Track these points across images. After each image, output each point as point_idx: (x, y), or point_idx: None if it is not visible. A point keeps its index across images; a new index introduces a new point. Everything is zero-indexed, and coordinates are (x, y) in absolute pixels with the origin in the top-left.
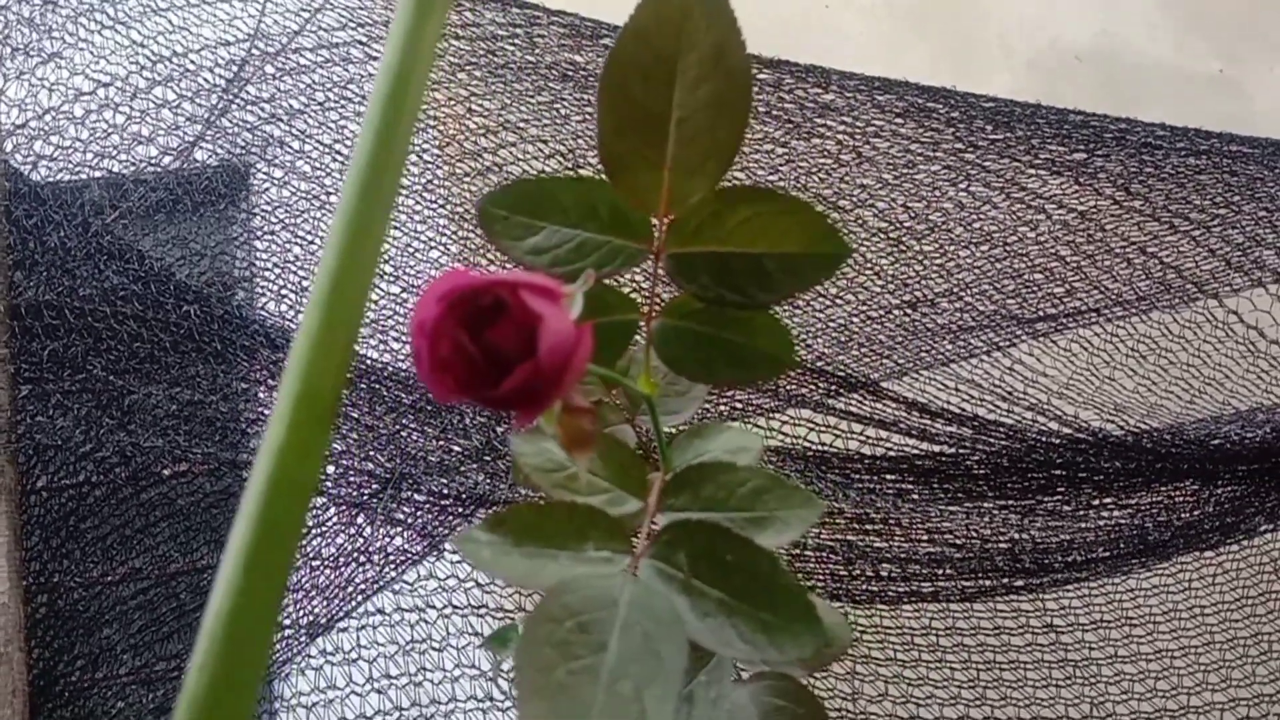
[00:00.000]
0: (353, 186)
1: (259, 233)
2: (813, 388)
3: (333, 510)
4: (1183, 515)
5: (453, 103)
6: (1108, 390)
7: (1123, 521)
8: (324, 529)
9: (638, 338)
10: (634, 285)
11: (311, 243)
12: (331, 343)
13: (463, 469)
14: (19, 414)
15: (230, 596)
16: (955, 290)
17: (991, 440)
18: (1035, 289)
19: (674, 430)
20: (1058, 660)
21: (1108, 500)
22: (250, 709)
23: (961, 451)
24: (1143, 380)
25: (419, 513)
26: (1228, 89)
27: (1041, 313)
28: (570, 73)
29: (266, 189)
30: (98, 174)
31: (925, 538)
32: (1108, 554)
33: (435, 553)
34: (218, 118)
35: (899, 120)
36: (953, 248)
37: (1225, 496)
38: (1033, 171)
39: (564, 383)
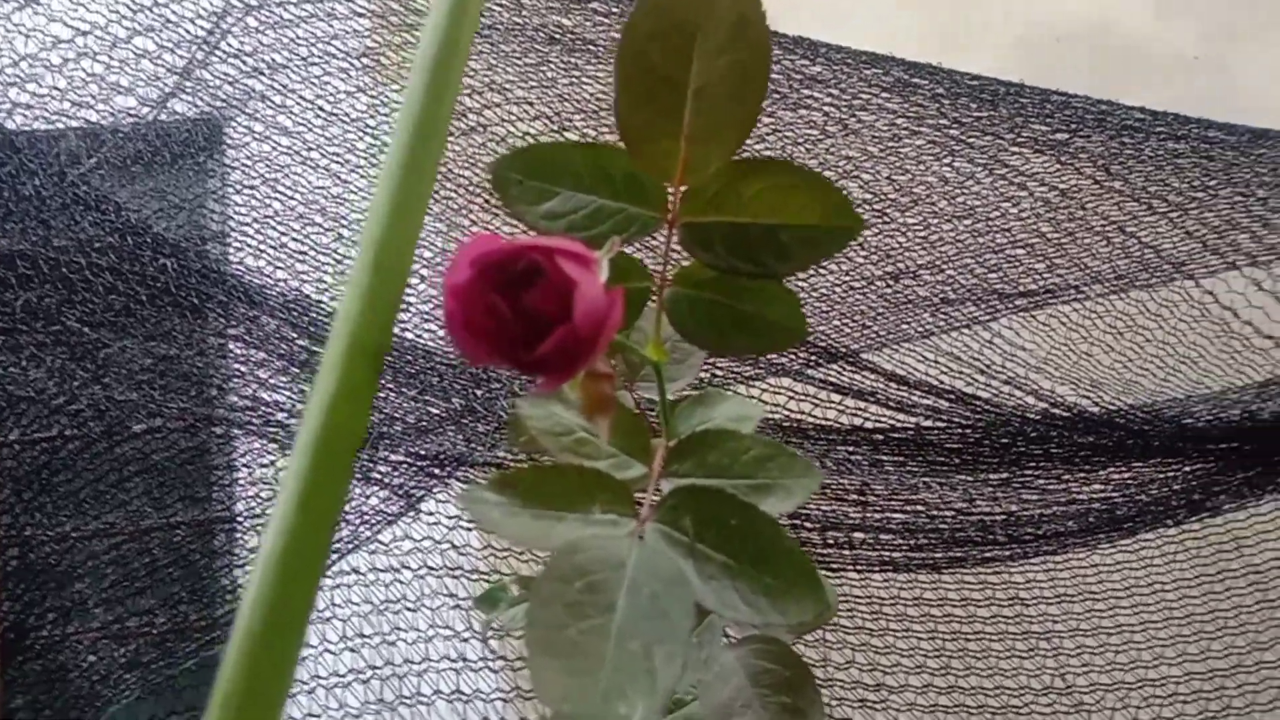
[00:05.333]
0: (402, 138)
1: (238, 187)
2: (793, 356)
3: None
4: (1151, 491)
5: None
6: (1084, 366)
7: (1093, 496)
8: None
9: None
10: (642, 253)
11: (291, 198)
12: (382, 294)
13: (441, 430)
14: None
15: (283, 536)
16: (937, 263)
17: (969, 413)
18: (1016, 264)
19: (673, 398)
20: (1021, 632)
21: (1079, 475)
22: (299, 645)
23: (939, 424)
24: (1119, 357)
25: (396, 472)
26: (1210, 69)
27: (1022, 288)
28: (557, 35)
29: (247, 143)
30: (75, 123)
31: (899, 508)
32: (1077, 528)
33: (412, 513)
34: (198, 69)
35: (885, 94)
36: (936, 221)
37: (1193, 474)
38: (1015, 149)
39: (598, 347)
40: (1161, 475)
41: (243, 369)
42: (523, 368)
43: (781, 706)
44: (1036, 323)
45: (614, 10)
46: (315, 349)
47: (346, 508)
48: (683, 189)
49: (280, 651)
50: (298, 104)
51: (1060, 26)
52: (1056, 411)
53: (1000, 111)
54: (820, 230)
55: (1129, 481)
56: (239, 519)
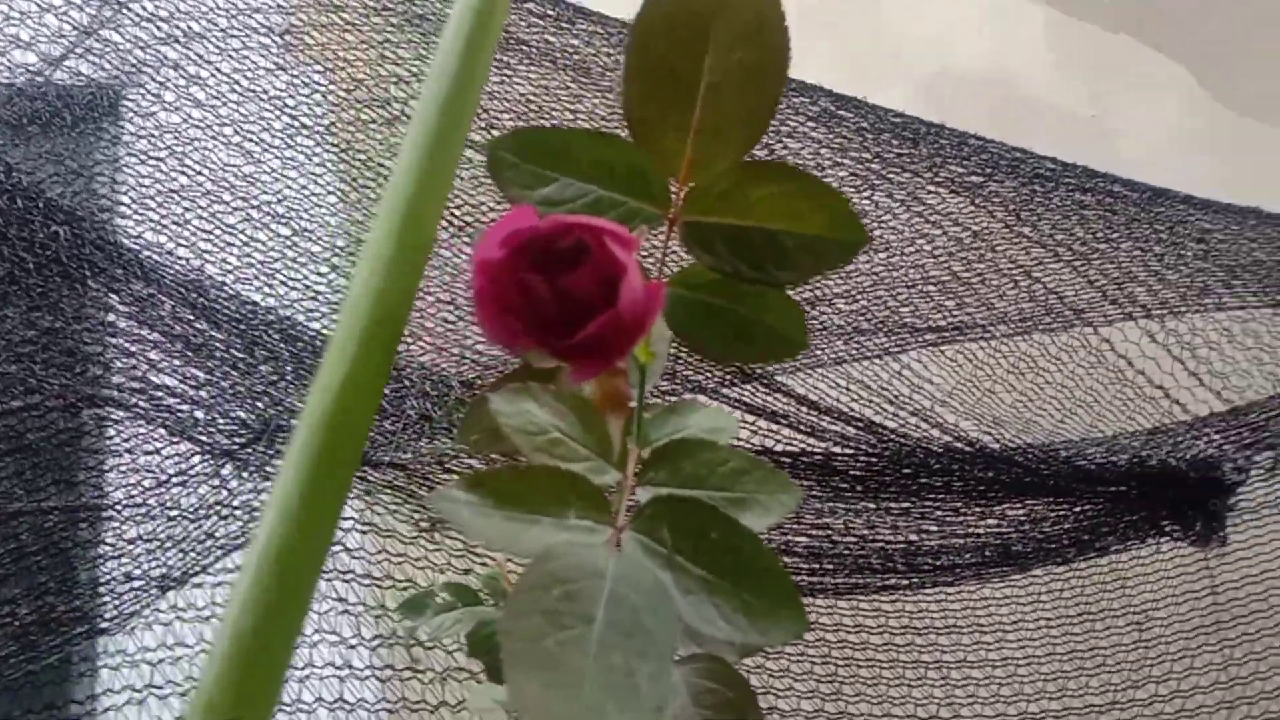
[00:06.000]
0: (429, 109)
1: (143, 157)
2: (708, 375)
3: (196, 459)
4: (1044, 529)
5: (365, 46)
6: (987, 403)
7: (989, 530)
8: (186, 478)
9: None
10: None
11: (199, 174)
12: (405, 267)
13: None
14: None
15: (285, 525)
16: (853, 292)
17: (876, 442)
18: (928, 299)
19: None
20: (912, 660)
21: (977, 509)
22: (295, 638)
23: (847, 451)
24: (1020, 396)
25: None
26: (1099, 131)
27: (932, 323)
28: None
29: (154, 112)
30: None
31: (804, 531)
32: (973, 560)
33: None
34: (106, 29)
35: (811, 124)
36: None
37: (1083, 514)
38: (933, 188)
39: (638, 337)
40: (1054, 514)
41: (132, 348)
42: (556, 353)
43: None
44: (944, 358)
45: (549, 13)
46: (214, 334)
47: (234, 502)
48: (688, 187)
49: (273, 654)
50: (213, 76)
51: (967, 73)
52: (959, 445)
53: (921, 150)
54: (824, 240)
55: (1023, 518)
56: (116, 507)
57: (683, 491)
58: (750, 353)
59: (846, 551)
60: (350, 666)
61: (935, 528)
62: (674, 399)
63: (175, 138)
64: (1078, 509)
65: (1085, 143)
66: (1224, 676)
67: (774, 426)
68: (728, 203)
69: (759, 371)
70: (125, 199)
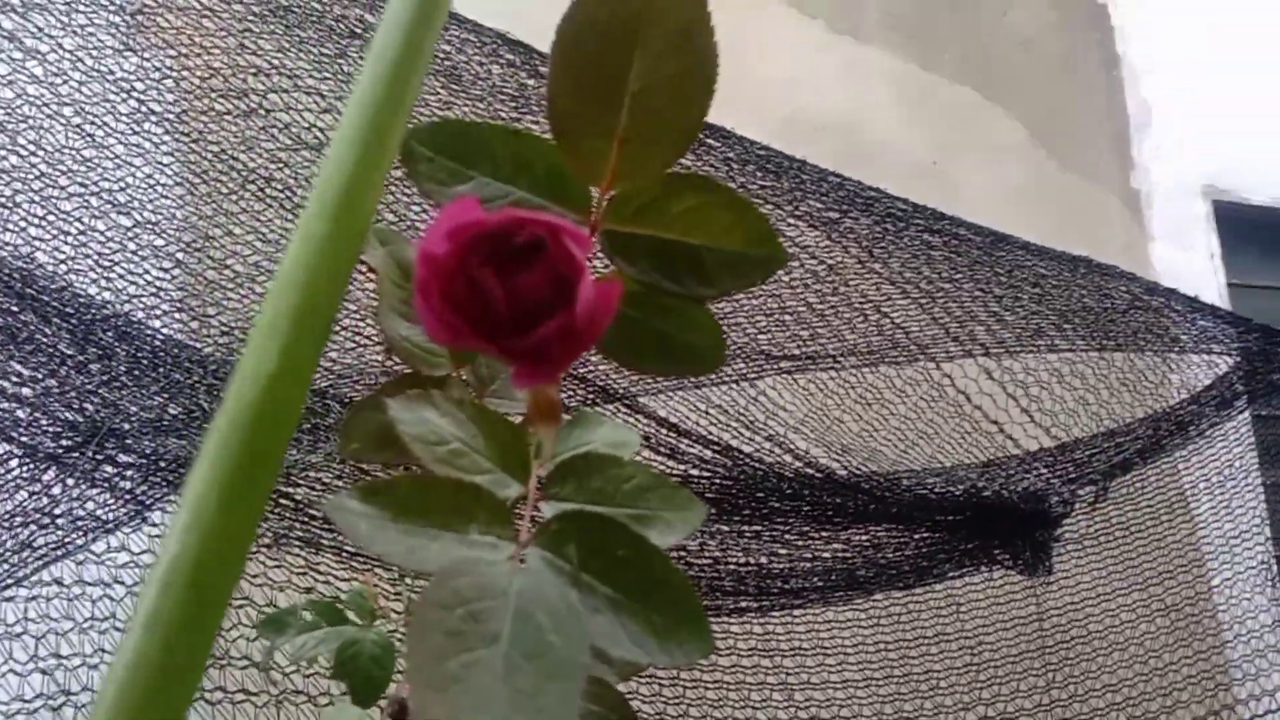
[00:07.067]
0: (371, 89)
1: None
2: (572, 393)
3: (15, 461)
4: (887, 555)
5: (223, 34)
6: (836, 431)
7: (835, 555)
8: (2, 483)
9: None
10: None
11: (33, 154)
12: (337, 256)
13: (183, 431)
14: None
15: (197, 534)
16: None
17: (732, 464)
18: (784, 329)
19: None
20: (758, 682)
21: (824, 534)
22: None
23: (704, 473)
24: (866, 425)
25: (124, 475)
26: (939, 179)
27: (786, 351)
28: (358, 30)
29: None
30: None
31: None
32: (820, 584)
33: (139, 521)
34: None
35: None
36: None
37: (923, 542)
38: (793, 221)
39: (591, 341)
40: (895, 540)
41: None
42: (504, 354)
43: None
44: (797, 385)
45: None
46: (41, 327)
47: (55, 510)
48: (610, 194)
49: (180, 683)
50: (54, 51)
51: (822, 116)
52: (809, 471)
53: (783, 184)
54: (744, 256)
55: (867, 544)
56: None
57: (590, 508)
58: (667, 366)
59: (701, 574)
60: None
61: (785, 551)
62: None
63: (7, 114)
64: (917, 536)
65: (928, 189)
66: (1046, 698)
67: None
68: (649, 213)
69: (621, 392)
70: None
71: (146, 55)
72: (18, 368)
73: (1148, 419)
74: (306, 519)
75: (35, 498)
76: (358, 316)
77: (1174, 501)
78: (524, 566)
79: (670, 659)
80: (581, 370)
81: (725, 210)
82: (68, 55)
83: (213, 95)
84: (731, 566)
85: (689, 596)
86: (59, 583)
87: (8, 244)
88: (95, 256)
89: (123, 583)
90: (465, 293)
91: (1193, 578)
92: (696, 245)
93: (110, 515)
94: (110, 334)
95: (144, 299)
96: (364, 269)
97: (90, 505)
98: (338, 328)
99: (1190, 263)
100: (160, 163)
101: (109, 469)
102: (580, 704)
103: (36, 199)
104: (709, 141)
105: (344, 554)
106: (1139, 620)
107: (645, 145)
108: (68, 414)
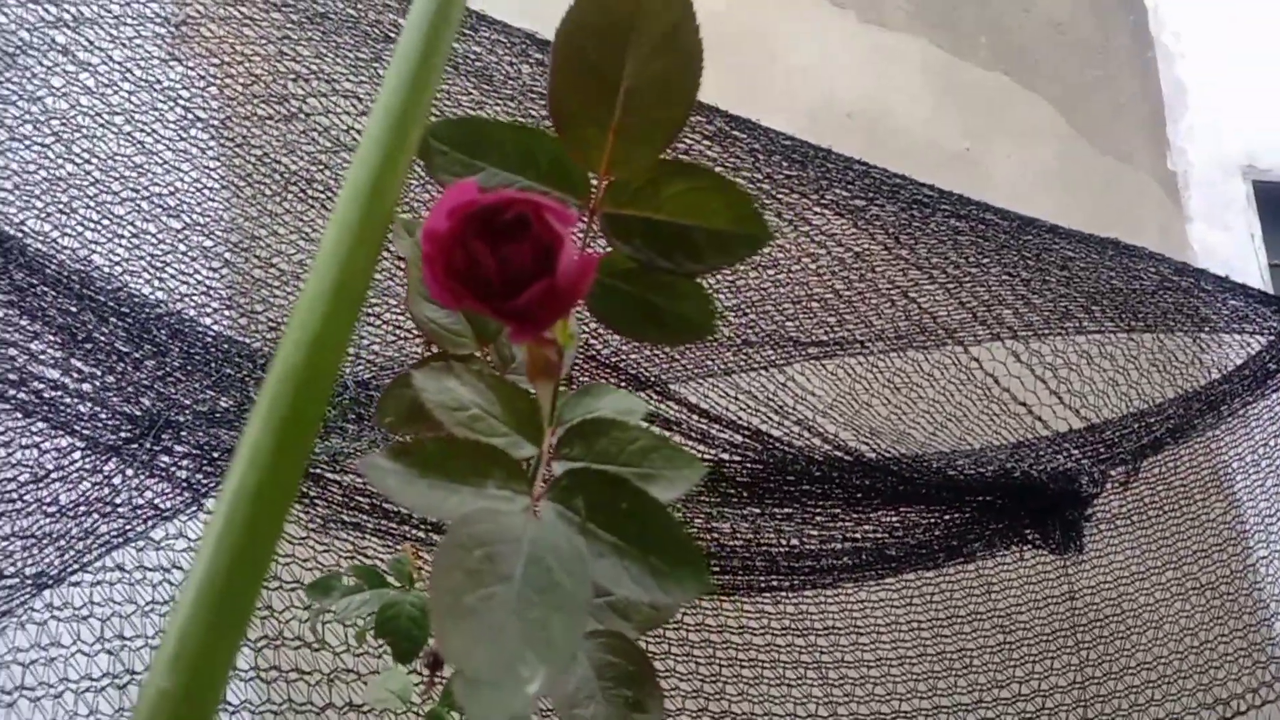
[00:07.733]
0: (395, 80)
1: (27, 143)
2: (605, 380)
3: (78, 454)
4: (917, 535)
5: (264, 42)
6: (865, 415)
7: (866, 535)
8: (66, 473)
9: None
10: None
11: (88, 162)
12: (369, 232)
13: (235, 422)
14: None
15: (256, 470)
16: (742, 306)
17: (763, 449)
18: (812, 315)
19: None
20: (792, 661)
21: (855, 515)
22: (261, 582)
23: (736, 458)
24: (895, 409)
25: (180, 464)
26: (972, 166)
27: (815, 338)
28: (393, 34)
29: (41, 98)
30: None
31: (694, 535)
32: (851, 564)
33: (195, 509)
34: None
35: (707, 142)
36: (743, 267)
37: (953, 522)
38: (819, 210)
39: (573, 302)
40: (925, 521)
41: (12, 339)
42: (498, 314)
43: (624, 700)
44: (825, 371)
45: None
46: (99, 326)
47: (117, 499)
48: (608, 180)
49: (241, 595)
50: (104, 63)
51: (850, 104)
52: (839, 454)
53: (808, 173)
54: (731, 235)
55: (897, 525)
56: None
57: (596, 466)
58: (663, 336)
59: (733, 554)
60: (234, 669)
61: (816, 532)
62: (593, 382)
63: (63, 124)
64: (947, 517)
65: (959, 175)
66: (1079, 676)
67: (666, 433)
68: (644, 197)
69: (652, 379)
70: (6, 185)
71: (191, 64)
72: (78, 365)
73: (1179, 399)
74: (353, 504)
75: (97, 487)
76: (397, 311)
77: (1209, 480)
78: (538, 517)
79: (670, 598)
80: (614, 360)
81: (713, 193)
82: (117, 67)
83: (255, 101)
84: (763, 547)
85: (687, 543)
86: (121, 568)
87: (66, 248)
88: (148, 258)
89: (181, 568)
90: (463, 262)
91: (1229, 556)
92: (687, 225)
93: (168, 503)
94: (164, 331)
95: (195, 297)
96: (397, 260)
97: (149, 494)
98: (378, 322)
99: (1230, 244)
100: (207, 167)
101: (166, 459)
102: (600, 656)
103: (92, 204)
104: (735, 134)
105: (389, 537)
106: (1174, 599)
107: (637, 136)
108: (126, 408)
